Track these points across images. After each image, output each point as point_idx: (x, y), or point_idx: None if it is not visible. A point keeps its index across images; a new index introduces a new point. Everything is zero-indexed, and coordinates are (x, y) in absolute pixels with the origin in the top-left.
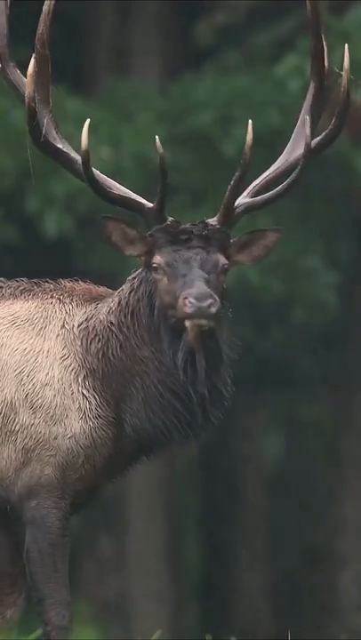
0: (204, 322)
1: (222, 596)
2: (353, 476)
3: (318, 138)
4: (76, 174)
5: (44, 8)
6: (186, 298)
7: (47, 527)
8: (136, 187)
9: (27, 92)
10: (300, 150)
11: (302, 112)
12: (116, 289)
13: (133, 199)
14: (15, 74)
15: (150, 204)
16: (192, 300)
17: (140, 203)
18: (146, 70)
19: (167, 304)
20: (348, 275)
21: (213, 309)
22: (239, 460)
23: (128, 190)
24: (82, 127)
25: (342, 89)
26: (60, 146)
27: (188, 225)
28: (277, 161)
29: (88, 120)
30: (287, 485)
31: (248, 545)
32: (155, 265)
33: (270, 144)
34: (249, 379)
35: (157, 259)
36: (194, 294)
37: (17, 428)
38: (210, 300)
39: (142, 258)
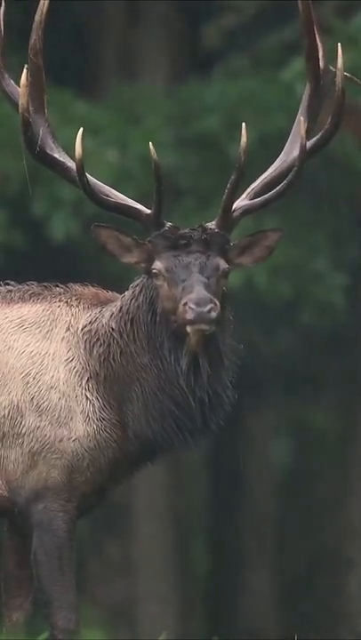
0: (205, 327)
1: (229, 599)
2: (360, 479)
3: (314, 138)
4: (72, 183)
5: (36, 17)
6: (186, 304)
7: (54, 530)
8: (143, 190)
9: (20, 103)
10: (296, 151)
11: (298, 113)
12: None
13: (131, 206)
14: (10, 84)
15: (148, 211)
16: (192, 306)
17: (138, 209)
18: (153, 73)
19: (168, 310)
20: (356, 277)
21: (214, 314)
22: (246, 463)
23: (125, 197)
24: (90, 132)
25: (337, 88)
26: (56, 155)
27: (186, 230)
28: (275, 162)
29: (81, 129)
30: (294, 489)
31: (255, 547)
32: (155, 271)
33: (278, 147)
34: (256, 382)
35: (157, 265)
36: (194, 300)
37: (23, 431)
38: (210, 305)
39: (142, 265)
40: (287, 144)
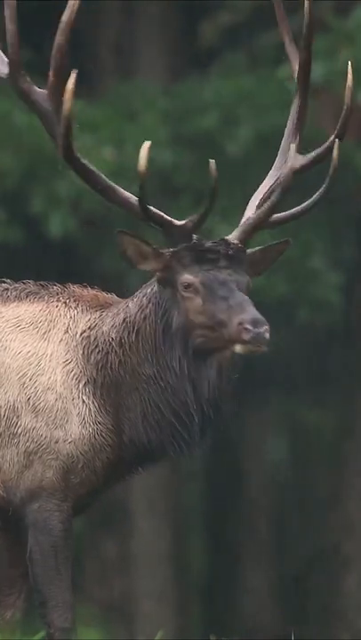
0: (260, 348)
1: (226, 597)
2: (358, 477)
3: (313, 154)
4: (99, 191)
5: (64, 18)
6: (241, 323)
7: (49, 530)
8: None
9: (64, 109)
10: (294, 163)
11: (286, 130)
12: (123, 294)
13: (163, 217)
14: (26, 83)
15: (180, 222)
16: (249, 327)
17: (167, 219)
18: (150, 71)
19: (199, 324)
20: (353, 275)
21: (268, 335)
22: (243, 461)
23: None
24: (87, 129)
25: (346, 107)
26: (85, 162)
27: (211, 243)
28: (273, 169)
29: (149, 142)
30: (292, 487)
31: (252, 546)
32: (185, 284)
33: (274, 145)
34: (253, 380)
35: (188, 278)
36: (250, 320)
37: (19, 431)
38: (266, 327)
39: (158, 274)
40: (279, 155)
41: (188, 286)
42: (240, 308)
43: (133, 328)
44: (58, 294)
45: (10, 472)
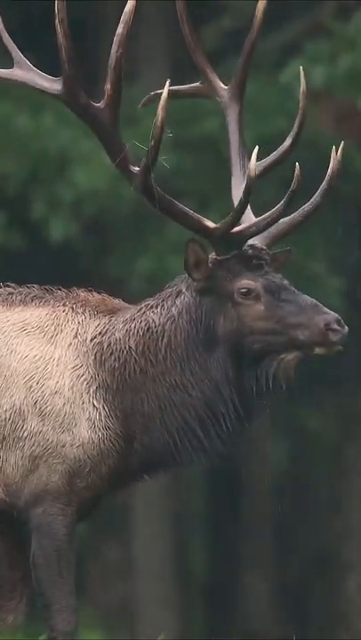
0: (339, 348)
1: (228, 600)
2: (358, 480)
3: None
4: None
5: (121, 30)
6: (328, 324)
7: (53, 534)
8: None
9: (161, 116)
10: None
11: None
12: (124, 299)
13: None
14: (83, 99)
15: (236, 229)
16: (337, 327)
17: (206, 224)
18: (152, 75)
19: (260, 330)
20: (354, 280)
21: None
22: (245, 465)
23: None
24: (88, 132)
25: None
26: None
27: (252, 250)
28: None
29: (256, 148)
30: (293, 490)
31: (253, 548)
32: (243, 290)
33: (276, 149)
34: None
35: (249, 283)
36: (336, 320)
37: (25, 434)
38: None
39: (197, 283)
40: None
41: (247, 292)
42: (318, 309)
43: (162, 338)
44: (63, 299)
45: (14, 476)
